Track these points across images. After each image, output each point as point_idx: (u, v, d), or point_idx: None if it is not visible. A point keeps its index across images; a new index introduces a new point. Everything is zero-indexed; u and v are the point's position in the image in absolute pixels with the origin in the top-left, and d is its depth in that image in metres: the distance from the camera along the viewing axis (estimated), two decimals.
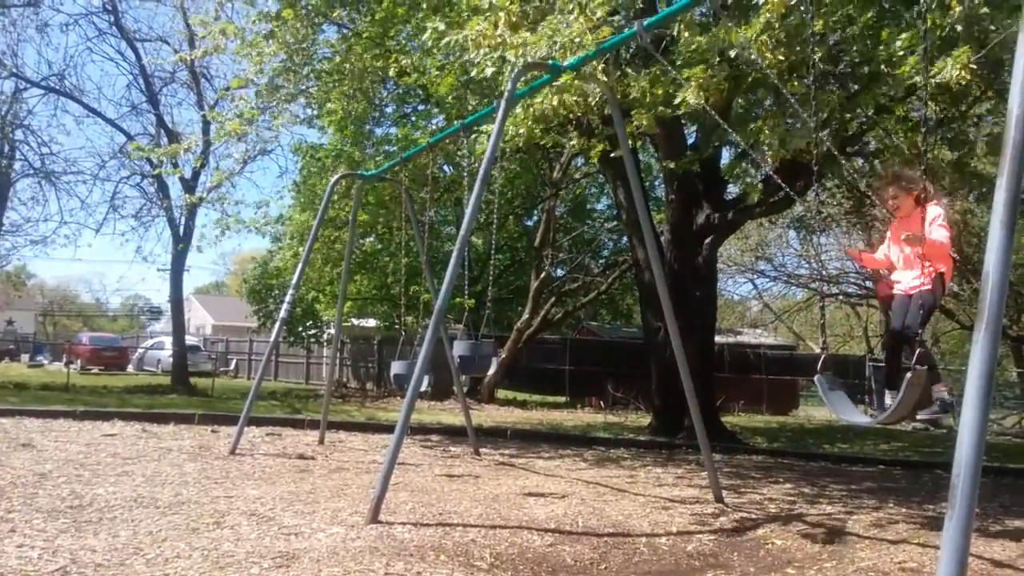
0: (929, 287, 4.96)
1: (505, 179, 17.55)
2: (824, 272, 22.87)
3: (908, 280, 5.12)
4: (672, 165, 10.58)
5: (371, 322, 25.12)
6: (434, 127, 11.66)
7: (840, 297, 24.96)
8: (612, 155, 9.27)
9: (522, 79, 6.50)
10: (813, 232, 16.51)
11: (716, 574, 4.83)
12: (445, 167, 14.43)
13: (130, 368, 31.27)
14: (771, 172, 9.26)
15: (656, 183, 20.33)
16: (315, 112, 12.07)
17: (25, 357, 33.65)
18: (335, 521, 5.42)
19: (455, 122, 8.82)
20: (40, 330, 47.53)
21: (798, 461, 10.94)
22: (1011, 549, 5.64)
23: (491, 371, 7.40)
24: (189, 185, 18.89)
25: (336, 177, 10.38)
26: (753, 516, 6.56)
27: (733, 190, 14.40)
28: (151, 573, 3.96)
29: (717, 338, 16.59)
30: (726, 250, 22.86)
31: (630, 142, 7.91)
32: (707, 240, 12.85)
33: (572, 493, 7.17)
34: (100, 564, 4.07)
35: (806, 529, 6.07)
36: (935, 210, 4.92)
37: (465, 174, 8.36)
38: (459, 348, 6.90)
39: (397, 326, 20.88)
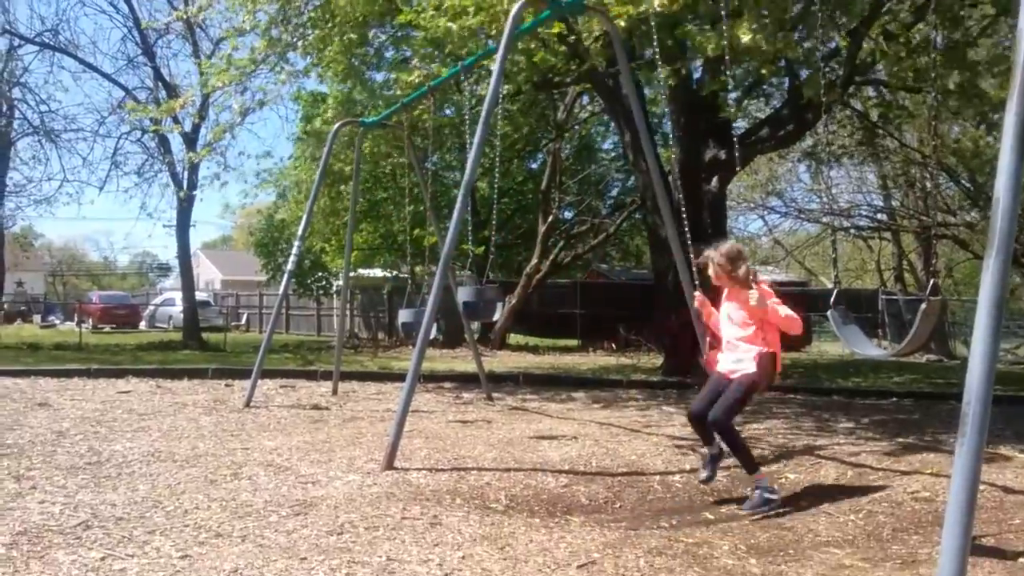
0: (753, 371, 4.64)
1: (508, 122, 17.33)
2: (836, 206, 22.70)
3: (728, 363, 4.82)
4: (665, 76, 10.27)
5: (379, 272, 25.16)
6: (434, 70, 11.45)
7: (852, 231, 24.75)
8: (610, 80, 8.95)
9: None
10: (824, 164, 16.33)
11: (730, 509, 4.86)
12: (448, 111, 14.23)
13: (142, 325, 31.52)
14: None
15: (663, 120, 20.06)
16: (313, 59, 11.87)
17: (37, 318, 33.93)
18: (351, 469, 5.48)
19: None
20: (50, 290, 47.87)
21: (811, 396, 10.96)
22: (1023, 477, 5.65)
23: (497, 316, 7.36)
24: (190, 139, 18.74)
25: (337, 125, 10.26)
26: (766, 451, 6.58)
27: (741, 125, 14.20)
28: (171, 525, 4.00)
29: None
30: (735, 187, 22.64)
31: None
32: (716, 177, 12.69)
33: (585, 435, 7.22)
34: (121, 518, 4.12)
35: (819, 462, 6.10)
36: (754, 291, 4.60)
37: (467, 117, 8.25)
38: (463, 294, 6.87)
39: (404, 275, 20.92)
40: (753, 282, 4.66)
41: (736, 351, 4.78)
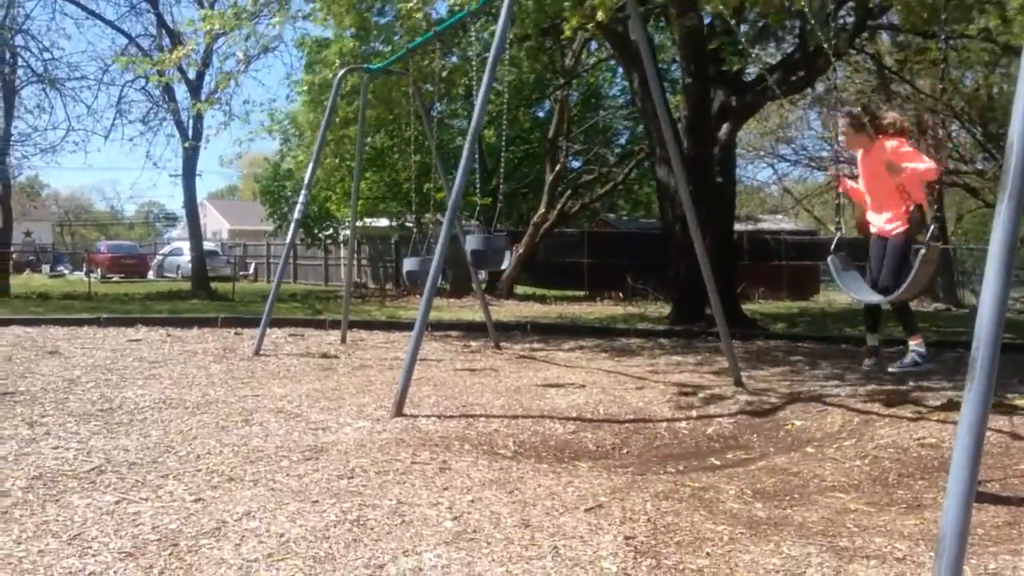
0: (902, 229, 4.93)
1: (515, 69, 17.08)
2: (845, 153, 22.47)
3: (880, 222, 5.11)
4: (687, 24, 10.09)
5: (386, 222, 25.12)
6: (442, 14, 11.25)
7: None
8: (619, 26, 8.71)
9: None
10: (835, 109, 16.11)
11: (736, 455, 4.91)
12: (453, 58, 14.01)
13: (150, 275, 31.65)
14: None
15: (672, 67, 19.78)
16: (315, 3, 11.66)
17: (46, 268, 34.07)
18: (361, 416, 5.52)
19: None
20: (58, 240, 47.97)
21: (818, 345, 10.97)
22: None
23: (505, 265, 7.37)
24: (194, 87, 18.57)
25: (342, 71, 10.12)
26: (772, 399, 6.62)
27: (752, 71, 13.98)
28: (184, 469, 4.06)
29: (736, 225, 16.43)
30: (745, 135, 22.37)
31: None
32: (725, 124, 12.54)
33: (592, 383, 7.25)
34: (134, 463, 4.18)
35: (825, 409, 6.13)
36: (892, 142, 4.87)
37: (473, 64, 8.13)
38: (471, 243, 6.86)
39: (409, 224, 20.89)
40: (881, 136, 4.93)
41: (883, 211, 5.06)
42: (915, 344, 5.18)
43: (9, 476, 3.88)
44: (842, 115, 5.22)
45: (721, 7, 7.42)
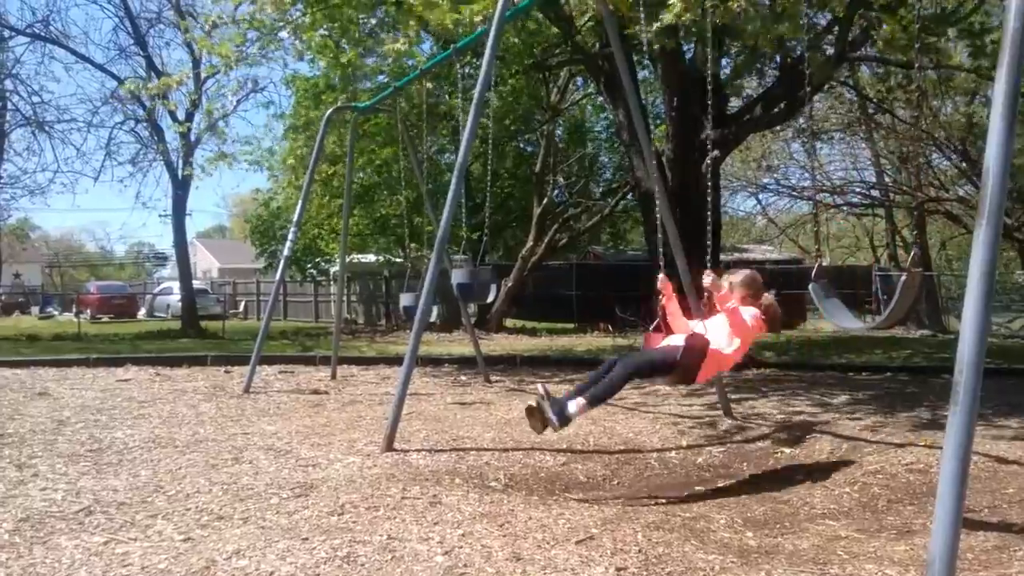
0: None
1: (502, 102, 17.28)
2: (828, 183, 22.72)
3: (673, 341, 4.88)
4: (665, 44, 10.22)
5: (373, 257, 25.17)
6: (429, 52, 11.41)
7: (845, 208, 24.75)
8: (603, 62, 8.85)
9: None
10: (817, 138, 16.28)
11: (726, 484, 4.92)
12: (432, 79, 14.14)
13: (140, 314, 31.51)
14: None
15: (656, 101, 20.03)
16: (304, 45, 11.81)
17: (35, 309, 33.90)
18: (351, 451, 5.51)
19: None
20: (47, 282, 47.83)
21: (806, 373, 11.01)
22: (1017, 447, 5.69)
23: (492, 297, 7.44)
24: (184, 126, 18.68)
25: (329, 111, 10.23)
26: (762, 428, 6.64)
27: (735, 104, 14.18)
28: (173, 509, 4.04)
29: (722, 256, 16.53)
30: (728, 166, 22.58)
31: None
32: (709, 157, 12.67)
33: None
34: (123, 503, 4.16)
35: (815, 437, 6.15)
36: (751, 310, 4.83)
37: (460, 99, 8.24)
38: (457, 276, 6.91)
39: (399, 259, 20.94)
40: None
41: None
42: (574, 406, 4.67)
43: None
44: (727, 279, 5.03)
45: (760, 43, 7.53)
